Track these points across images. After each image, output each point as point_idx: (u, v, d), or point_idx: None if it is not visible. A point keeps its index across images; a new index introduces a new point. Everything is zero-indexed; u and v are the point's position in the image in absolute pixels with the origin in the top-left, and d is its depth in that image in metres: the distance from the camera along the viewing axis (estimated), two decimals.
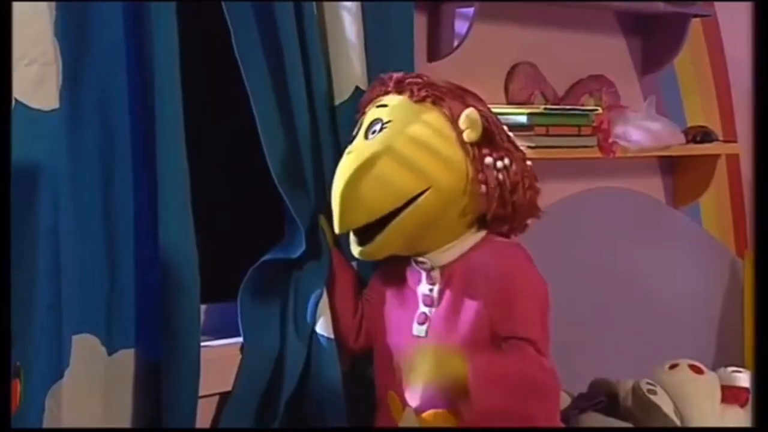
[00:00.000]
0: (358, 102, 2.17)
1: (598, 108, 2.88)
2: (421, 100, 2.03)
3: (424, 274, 2.07)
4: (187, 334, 2.01)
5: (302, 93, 2.17)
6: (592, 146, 2.80)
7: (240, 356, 2.20)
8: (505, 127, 2.07)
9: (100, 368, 1.98)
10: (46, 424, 1.84)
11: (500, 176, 1.98)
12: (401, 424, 2.06)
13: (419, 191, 1.98)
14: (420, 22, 2.62)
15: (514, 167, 2.00)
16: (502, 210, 2.01)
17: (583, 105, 2.97)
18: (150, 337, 2.02)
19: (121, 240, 2.00)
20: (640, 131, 2.92)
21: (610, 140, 2.83)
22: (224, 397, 2.19)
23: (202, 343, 2.07)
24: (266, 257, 2.20)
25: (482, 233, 2.05)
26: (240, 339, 2.22)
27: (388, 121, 2.02)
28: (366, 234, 2.03)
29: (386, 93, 2.08)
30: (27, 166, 1.76)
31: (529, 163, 2.05)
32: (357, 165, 1.99)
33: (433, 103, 2.02)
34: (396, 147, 2.00)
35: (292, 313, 2.22)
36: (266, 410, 2.18)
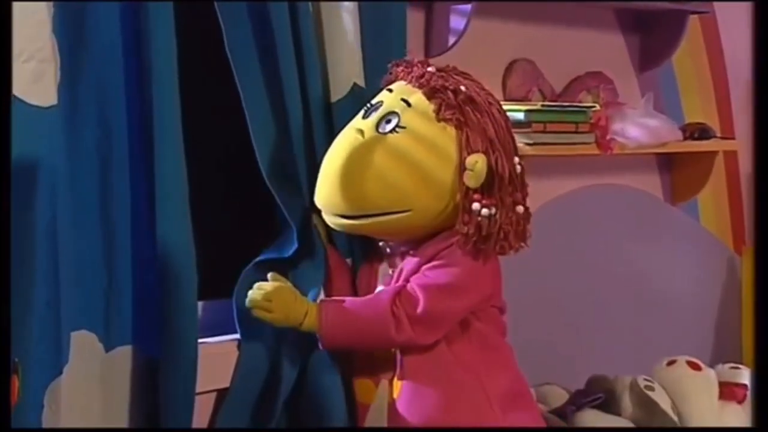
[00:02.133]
0: (356, 99, 2.16)
1: (596, 105, 2.87)
2: (445, 120, 1.98)
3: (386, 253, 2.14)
4: (185, 330, 2.01)
5: (296, 92, 2.16)
6: (589, 143, 2.80)
7: (237, 353, 2.21)
8: (517, 161, 1.99)
9: (98, 365, 1.98)
10: (44, 421, 1.84)
11: (482, 223, 1.95)
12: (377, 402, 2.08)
13: (402, 210, 1.98)
14: (418, 19, 2.62)
15: (497, 217, 1.95)
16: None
17: (580, 102, 2.97)
18: (148, 334, 2.02)
19: (119, 237, 1.99)
20: (638, 128, 2.92)
21: (608, 137, 2.83)
22: (222, 393, 2.20)
23: (200, 340, 2.07)
24: (259, 258, 2.20)
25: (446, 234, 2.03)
26: (237, 336, 2.22)
27: (403, 127, 1.99)
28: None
29: (420, 87, 2.01)
30: (24, 162, 1.76)
31: (519, 209, 1.97)
32: (365, 157, 1.99)
33: (456, 126, 1.97)
34: (401, 157, 1.99)
35: None
36: (264, 407, 2.18)
